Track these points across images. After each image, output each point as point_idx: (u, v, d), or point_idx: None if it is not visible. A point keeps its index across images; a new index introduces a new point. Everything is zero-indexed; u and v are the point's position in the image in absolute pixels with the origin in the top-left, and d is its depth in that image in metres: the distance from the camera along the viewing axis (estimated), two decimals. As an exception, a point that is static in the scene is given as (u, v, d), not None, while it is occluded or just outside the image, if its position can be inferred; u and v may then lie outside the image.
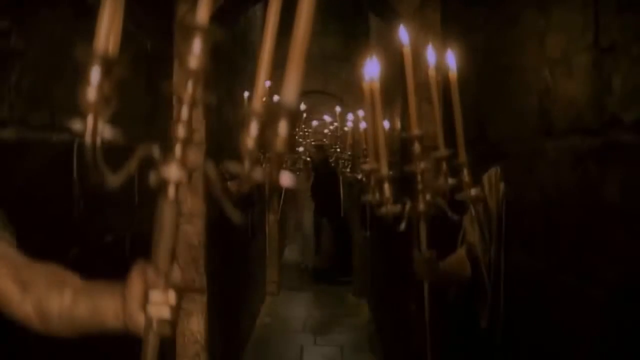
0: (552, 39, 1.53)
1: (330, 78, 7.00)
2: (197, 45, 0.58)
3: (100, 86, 0.59)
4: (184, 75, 0.60)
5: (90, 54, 0.59)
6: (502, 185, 1.88)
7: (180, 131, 0.61)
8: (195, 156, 0.62)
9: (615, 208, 1.19)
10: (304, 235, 8.03)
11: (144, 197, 2.30)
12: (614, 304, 1.20)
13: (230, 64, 3.93)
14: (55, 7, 1.61)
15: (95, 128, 0.60)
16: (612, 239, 1.21)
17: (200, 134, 2.92)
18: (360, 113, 4.61)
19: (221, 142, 3.46)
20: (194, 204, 2.92)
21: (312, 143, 7.53)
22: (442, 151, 1.37)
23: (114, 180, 0.62)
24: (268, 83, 0.68)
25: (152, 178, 0.63)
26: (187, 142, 0.62)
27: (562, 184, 1.46)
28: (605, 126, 1.23)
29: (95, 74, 0.59)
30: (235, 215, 0.61)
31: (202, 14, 0.58)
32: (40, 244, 1.44)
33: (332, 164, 6.91)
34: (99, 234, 1.94)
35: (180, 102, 0.61)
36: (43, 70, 1.53)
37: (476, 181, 1.55)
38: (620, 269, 1.17)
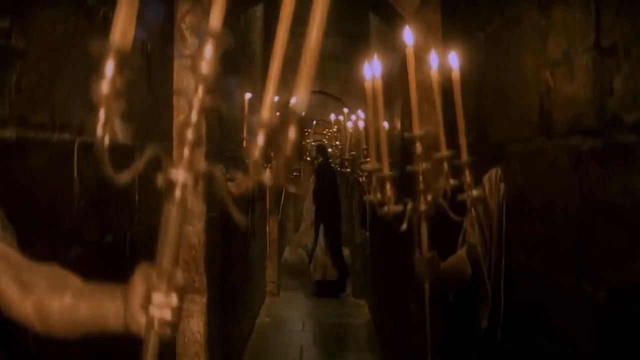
0: (553, 39, 1.53)
1: (330, 78, 7.01)
2: (209, 51, 0.57)
3: (114, 80, 0.58)
4: (194, 80, 0.59)
5: (105, 47, 0.59)
6: (502, 186, 1.88)
7: (189, 134, 0.60)
8: (199, 158, 0.62)
9: (616, 209, 1.19)
10: (305, 238, 7.99)
11: (144, 198, 2.30)
12: (614, 304, 1.20)
13: (229, 64, 3.93)
14: (56, 7, 1.61)
15: (107, 121, 0.60)
16: (613, 239, 1.21)
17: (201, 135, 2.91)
18: (360, 114, 4.61)
19: (221, 142, 3.46)
20: (193, 204, 2.91)
21: (312, 143, 7.52)
22: (444, 152, 1.37)
23: (121, 177, 0.62)
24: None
25: (159, 180, 0.62)
26: (194, 145, 0.61)
27: (562, 185, 1.46)
28: (605, 127, 1.23)
29: (109, 67, 0.59)
30: (239, 217, 0.61)
31: (215, 19, 0.58)
32: (40, 244, 1.44)
33: (333, 165, 6.90)
34: (99, 234, 1.94)
35: (189, 106, 0.61)
36: (43, 70, 1.52)
37: (477, 181, 1.55)
38: (621, 269, 1.17)
